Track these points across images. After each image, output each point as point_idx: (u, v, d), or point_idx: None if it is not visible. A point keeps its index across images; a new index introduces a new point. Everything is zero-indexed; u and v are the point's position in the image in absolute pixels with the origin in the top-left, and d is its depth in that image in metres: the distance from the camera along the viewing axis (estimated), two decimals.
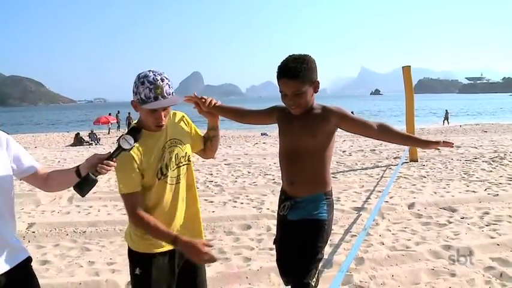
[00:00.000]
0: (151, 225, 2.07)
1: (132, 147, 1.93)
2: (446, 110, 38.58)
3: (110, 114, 36.71)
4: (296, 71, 2.29)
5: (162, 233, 2.07)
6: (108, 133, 32.94)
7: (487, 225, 5.23)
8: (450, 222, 5.42)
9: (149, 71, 2.04)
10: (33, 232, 5.53)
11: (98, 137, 26.06)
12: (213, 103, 2.51)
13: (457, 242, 4.64)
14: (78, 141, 23.38)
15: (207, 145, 2.48)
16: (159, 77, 2.01)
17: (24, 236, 5.38)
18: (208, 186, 8.17)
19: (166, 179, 2.15)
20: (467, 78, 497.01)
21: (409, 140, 2.69)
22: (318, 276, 2.64)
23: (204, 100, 2.50)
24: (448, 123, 36.78)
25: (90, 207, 6.76)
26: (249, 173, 9.58)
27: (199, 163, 10.69)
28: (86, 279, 4.01)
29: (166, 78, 2.04)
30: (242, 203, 6.81)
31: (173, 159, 2.18)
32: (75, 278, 4.06)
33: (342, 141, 15.69)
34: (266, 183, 8.33)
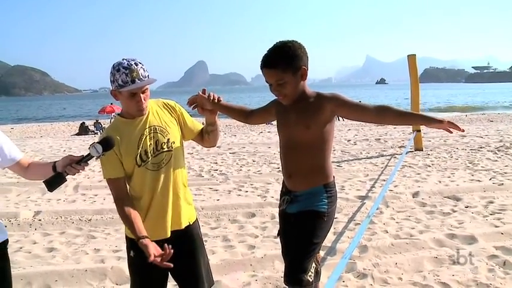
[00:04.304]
0: (126, 219, 2.16)
1: (100, 155, 1.99)
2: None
3: (111, 104, 36.62)
4: (275, 60, 2.24)
5: (133, 230, 2.15)
6: None
7: (491, 214, 5.23)
8: (454, 211, 5.42)
9: (123, 59, 2.12)
10: (40, 220, 5.59)
11: (103, 126, 26.12)
12: (221, 99, 2.45)
13: (461, 231, 4.65)
14: (83, 130, 23.45)
15: (205, 137, 2.48)
16: (132, 62, 2.09)
17: (31, 224, 5.43)
18: (213, 175, 8.20)
19: (147, 165, 2.18)
20: (474, 68, 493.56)
21: (412, 117, 2.51)
22: (317, 270, 2.61)
23: (212, 98, 2.41)
24: None
25: (96, 195, 6.81)
26: (253, 161, 9.61)
27: (204, 152, 10.73)
28: (92, 266, 4.05)
29: (140, 63, 2.11)
30: (247, 191, 6.84)
31: (153, 146, 2.20)
32: (81, 265, 4.10)
33: (347, 130, 15.67)
34: (271, 171, 8.36)
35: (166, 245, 2.01)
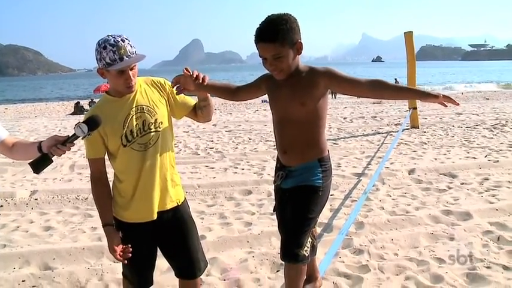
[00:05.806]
0: (97, 199, 2.23)
1: (85, 135, 1.91)
2: (395, 79, 33.71)
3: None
4: (273, 33, 2.12)
5: (101, 213, 2.22)
6: None
7: (486, 191, 5.26)
8: (450, 188, 5.45)
9: (108, 35, 2.05)
10: (36, 199, 5.58)
11: None
12: (206, 80, 2.25)
13: (456, 207, 4.68)
14: (78, 110, 23.30)
15: (198, 113, 2.40)
16: (119, 39, 2.02)
17: (27, 203, 5.43)
18: (209, 153, 8.20)
19: (133, 145, 2.14)
20: (471, 45, 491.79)
21: (407, 92, 2.45)
22: (314, 244, 2.60)
23: (195, 76, 2.22)
24: None
25: None
26: (249, 139, 9.61)
27: (200, 130, 10.70)
28: (89, 244, 4.06)
29: (127, 39, 2.05)
30: (243, 169, 6.85)
31: (140, 126, 2.15)
32: (79, 243, 4.11)
33: (343, 108, 15.64)
34: (267, 149, 8.36)
35: (129, 246, 2.13)
